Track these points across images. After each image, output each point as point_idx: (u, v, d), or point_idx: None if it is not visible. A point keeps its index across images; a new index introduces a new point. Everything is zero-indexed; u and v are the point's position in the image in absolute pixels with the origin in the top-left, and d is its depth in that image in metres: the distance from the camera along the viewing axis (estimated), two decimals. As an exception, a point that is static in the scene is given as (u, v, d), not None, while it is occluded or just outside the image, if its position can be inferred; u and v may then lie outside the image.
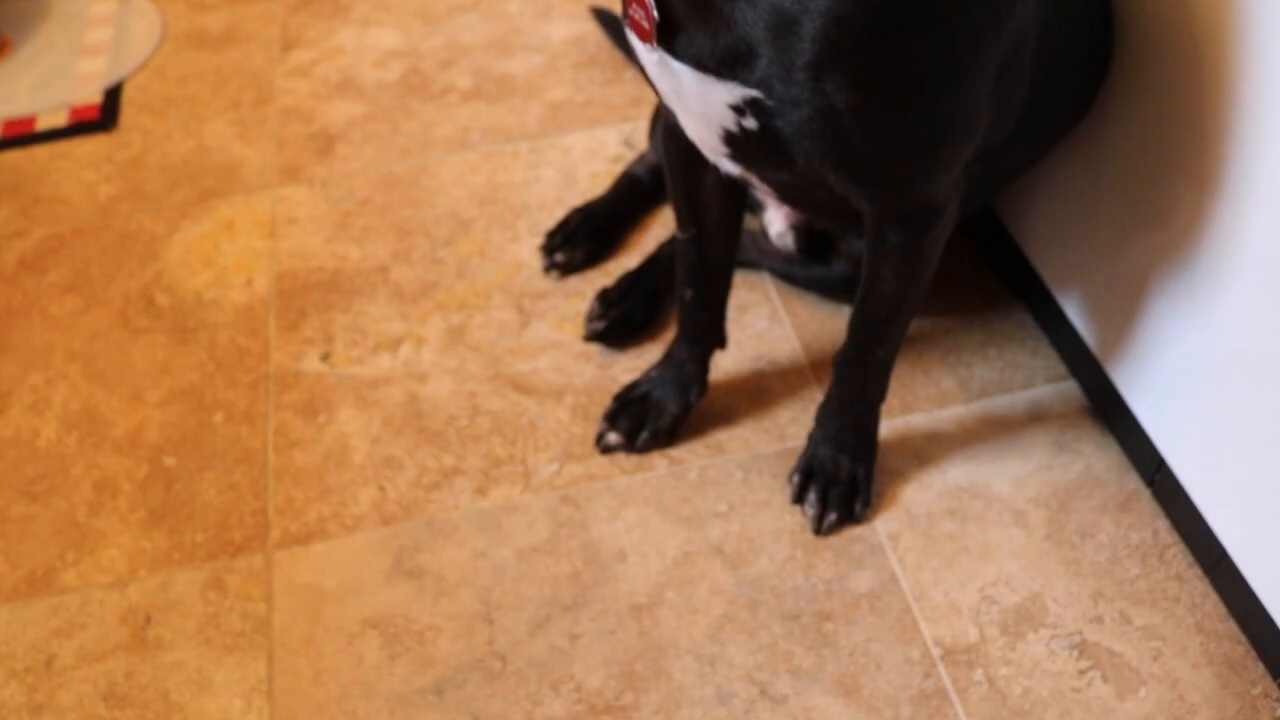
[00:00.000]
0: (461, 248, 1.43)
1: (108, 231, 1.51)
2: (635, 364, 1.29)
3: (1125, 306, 1.12)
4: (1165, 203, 1.02)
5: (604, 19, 1.70)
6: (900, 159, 0.86)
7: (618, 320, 1.29)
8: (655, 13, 0.81)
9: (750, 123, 0.83)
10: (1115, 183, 1.09)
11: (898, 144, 0.84)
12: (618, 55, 1.69)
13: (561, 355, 1.30)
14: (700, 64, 0.82)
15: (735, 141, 0.86)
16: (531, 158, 1.55)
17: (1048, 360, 1.29)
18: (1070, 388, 1.26)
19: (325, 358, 1.32)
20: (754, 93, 0.80)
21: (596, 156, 1.54)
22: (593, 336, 1.29)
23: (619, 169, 1.49)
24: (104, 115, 1.70)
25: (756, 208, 1.31)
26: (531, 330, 1.33)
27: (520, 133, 1.59)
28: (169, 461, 1.24)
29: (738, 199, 1.10)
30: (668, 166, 1.09)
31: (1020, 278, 1.33)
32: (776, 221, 1.31)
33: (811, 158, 0.84)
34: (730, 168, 0.95)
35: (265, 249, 1.45)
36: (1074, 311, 1.22)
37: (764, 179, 0.97)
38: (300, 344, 1.33)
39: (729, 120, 0.84)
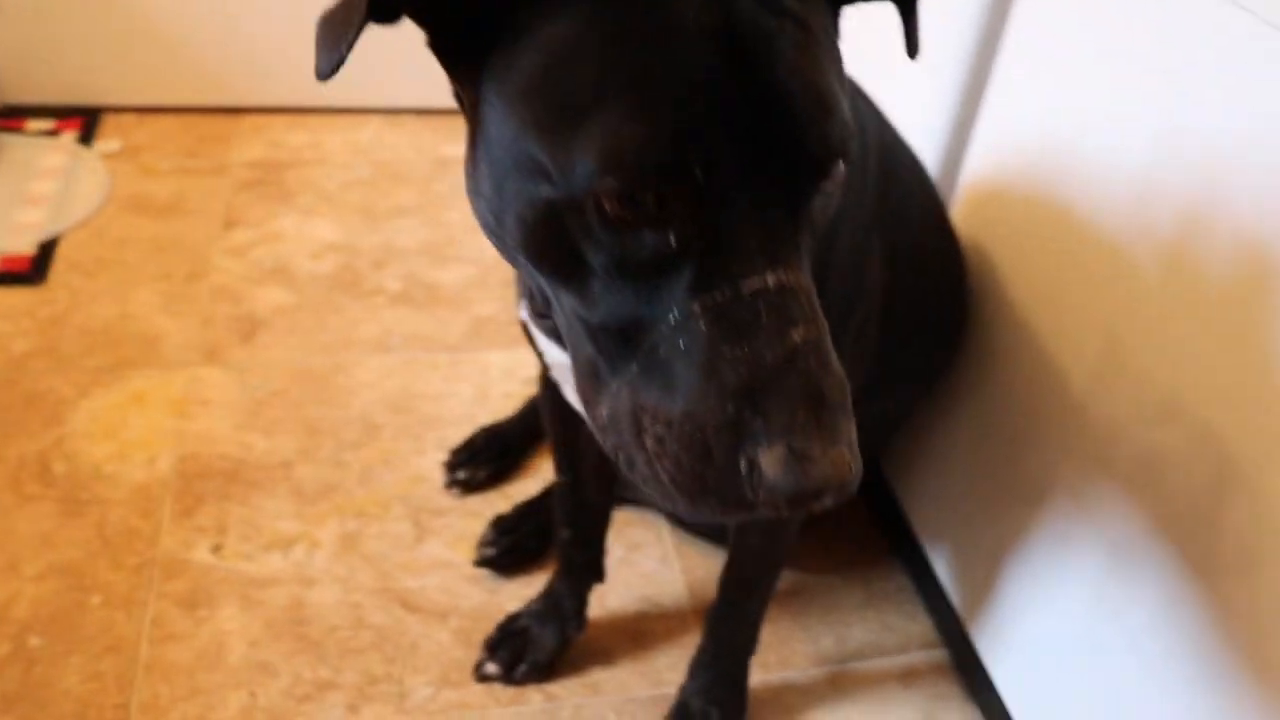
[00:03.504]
0: (367, 453, 1.46)
1: (14, 389, 1.51)
2: (524, 592, 1.31)
3: (987, 574, 1.20)
4: (1021, 476, 1.12)
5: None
6: None
7: (509, 548, 1.33)
8: None
9: None
10: (984, 453, 1.19)
11: None
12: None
13: (451, 576, 1.32)
14: None
15: None
16: (449, 370, 1.60)
17: (923, 625, 1.35)
18: (941, 655, 1.31)
19: (216, 549, 1.32)
20: None
21: (512, 377, 1.60)
22: (483, 562, 1.32)
23: (531, 390, 1.55)
24: (34, 268, 1.72)
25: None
26: (425, 546, 1.35)
27: (441, 344, 1.65)
28: (34, 641, 1.22)
29: None
30: (546, 415, 1.14)
31: (901, 539, 1.40)
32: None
33: None
34: None
35: (172, 428, 1.47)
36: (944, 575, 1.30)
37: None
38: (192, 531, 1.34)
39: None
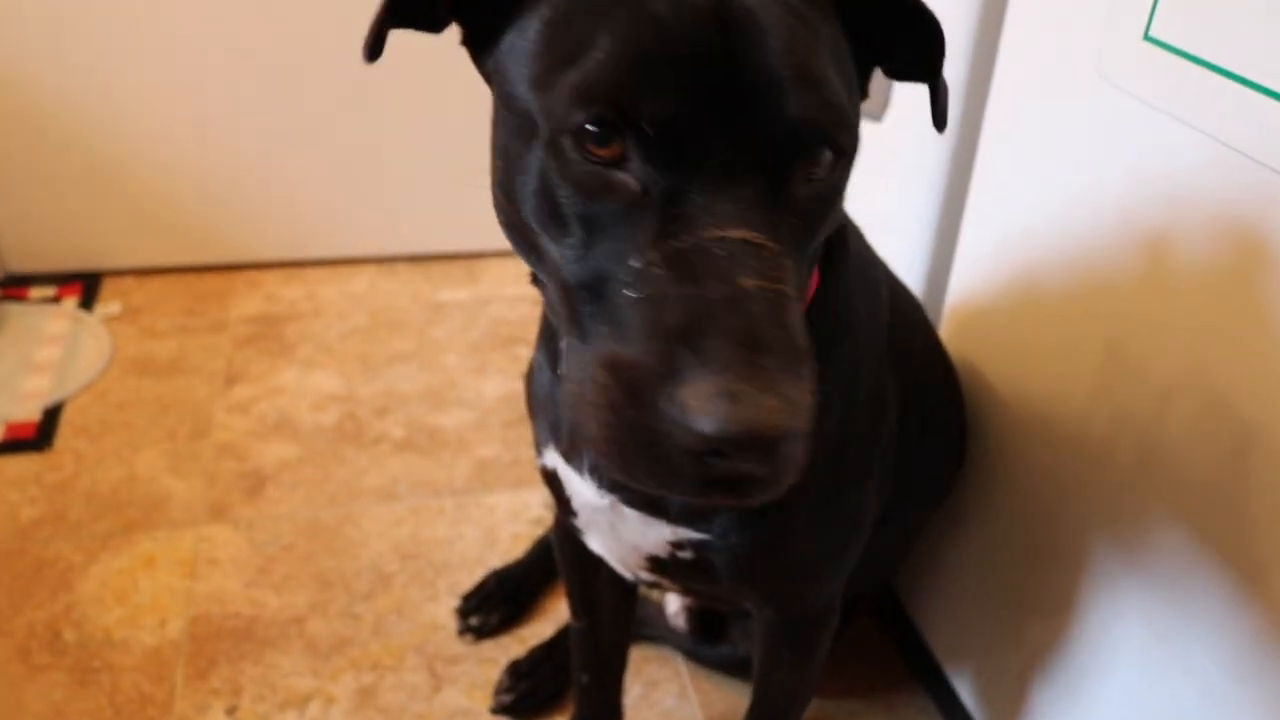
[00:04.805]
0: (380, 603, 1.46)
1: (23, 557, 1.51)
2: (542, 738, 1.30)
3: (1014, 692, 1.19)
4: (1038, 588, 1.13)
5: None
6: (815, 568, 0.94)
7: (526, 693, 1.32)
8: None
9: (686, 554, 0.89)
10: (994, 570, 1.21)
11: (817, 556, 0.92)
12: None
13: (469, 725, 1.31)
14: (656, 509, 0.86)
15: (660, 565, 0.93)
16: (456, 514, 1.62)
17: (946, 748, 1.34)
18: (964, 780, 1.30)
19: (230, 712, 1.31)
20: (705, 536, 0.86)
21: (519, 518, 1.61)
22: (500, 710, 1.31)
23: (540, 531, 1.56)
24: (40, 435, 1.74)
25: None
26: (443, 696, 1.34)
27: (447, 488, 1.67)
28: (50, 818, 1.20)
29: (630, 589, 1.17)
30: (561, 562, 1.15)
31: (920, 660, 1.40)
32: (673, 602, 1.38)
33: (738, 578, 0.91)
34: (642, 578, 1.02)
35: (183, 589, 1.47)
36: (968, 696, 1.29)
37: (675, 586, 1.04)
38: (207, 694, 1.33)
39: (662, 551, 0.90)
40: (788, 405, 0.50)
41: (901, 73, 0.74)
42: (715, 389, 0.49)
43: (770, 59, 0.57)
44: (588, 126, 0.56)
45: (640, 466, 0.54)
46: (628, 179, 0.57)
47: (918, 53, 0.73)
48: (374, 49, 0.64)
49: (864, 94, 0.72)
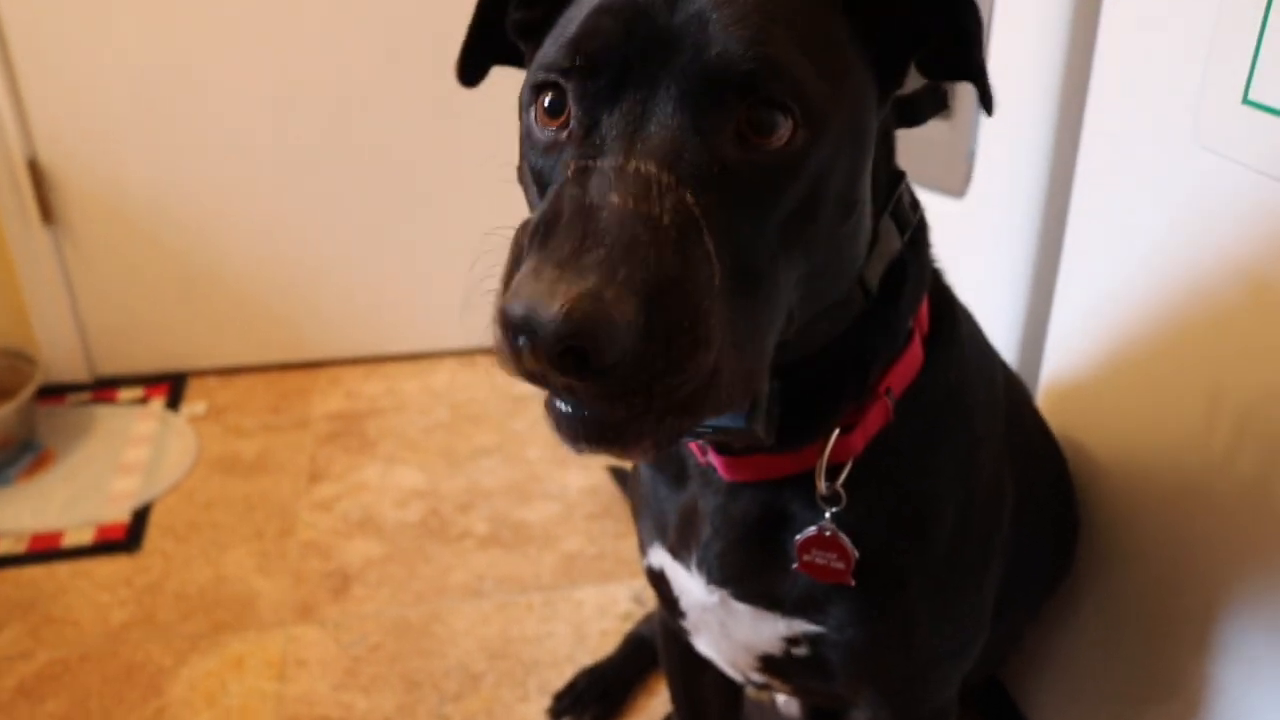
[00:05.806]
0: (469, 705, 1.42)
1: (114, 660, 1.51)
2: (640, 846, 1.25)
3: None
4: (1166, 676, 1.06)
5: (618, 474, 1.80)
6: (936, 664, 0.90)
7: (624, 798, 1.27)
8: (855, 551, 0.78)
9: (801, 651, 0.85)
10: (1113, 653, 1.13)
11: (938, 652, 0.88)
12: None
13: (565, 833, 1.27)
14: (769, 602, 0.82)
15: (773, 664, 0.89)
16: (544, 611, 1.59)
17: None
18: None
19: (321, 820, 1.28)
20: (820, 629, 0.83)
21: (607, 613, 1.58)
22: (598, 816, 1.27)
23: (629, 626, 1.53)
24: (129, 536, 1.75)
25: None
26: (536, 802, 1.30)
27: (534, 583, 1.64)
28: None
29: (737, 690, 1.12)
30: (666, 665, 1.11)
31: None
32: (781, 693, 1.33)
33: (856, 675, 0.87)
34: (753, 679, 0.98)
35: (272, 692, 1.45)
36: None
37: (787, 687, 1.00)
38: (296, 802, 1.30)
39: (776, 648, 0.86)
40: (585, 293, 0.49)
41: (937, 68, 0.69)
42: (525, 271, 0.51)
43: (704, 8, 0.58)
44: (542, 98, 0.62)
45: (506, 363, 0.55)
46: (566, 132, 0.61)
47: (951, 40, 0.66)
48: (463, 70, 0.75)
49: (898, 85, 0.68)
